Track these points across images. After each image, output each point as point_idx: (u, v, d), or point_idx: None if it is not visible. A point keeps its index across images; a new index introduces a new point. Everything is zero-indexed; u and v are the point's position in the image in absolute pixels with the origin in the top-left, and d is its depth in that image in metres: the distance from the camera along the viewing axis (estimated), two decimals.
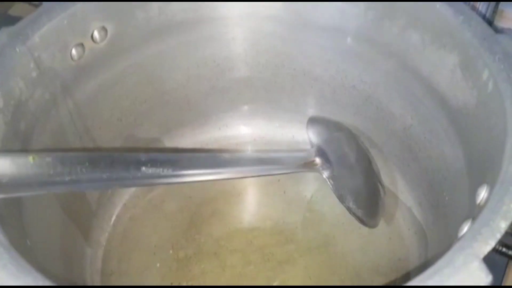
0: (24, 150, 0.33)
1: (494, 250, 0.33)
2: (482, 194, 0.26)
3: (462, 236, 0.22)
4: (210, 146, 0.52)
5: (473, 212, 0.26)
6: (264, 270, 0.44)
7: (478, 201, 0.27)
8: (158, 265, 0.44)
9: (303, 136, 0.52)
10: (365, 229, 0.45)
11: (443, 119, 0.37)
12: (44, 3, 0.35)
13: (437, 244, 0.39)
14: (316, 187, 0.49)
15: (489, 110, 0.30)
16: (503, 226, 0.22)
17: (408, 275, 0.42)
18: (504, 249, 0.33)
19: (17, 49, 0.32)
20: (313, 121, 0.48)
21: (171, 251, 0.45)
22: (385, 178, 0.47)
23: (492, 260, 0.21)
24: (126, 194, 0.48)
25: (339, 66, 0.45)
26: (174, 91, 0.47)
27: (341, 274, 0.43)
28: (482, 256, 0.21)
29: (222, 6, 0.43)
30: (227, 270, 0.44)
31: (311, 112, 0.50)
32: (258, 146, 0.52)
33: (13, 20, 0.33)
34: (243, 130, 0.53)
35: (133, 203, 0.48)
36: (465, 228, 0.26)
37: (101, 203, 0.45)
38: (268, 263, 0.44)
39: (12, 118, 0.32)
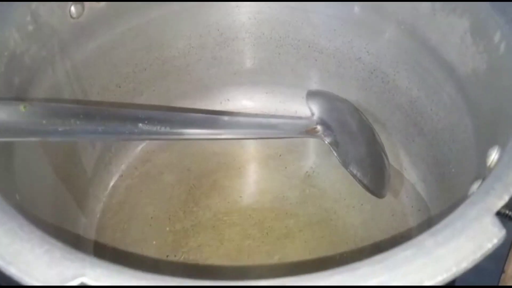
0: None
1: (503, 215, 0.32)
2: (493, 155, 0.25)
3: (473, 192, 0.21)
4: None
5: (484, 173, 0.25)
6: (262, 244, 0.43)
7: (488, 163, 0.25)
8: (154, 236, 0.43)
9: (306, 112, 0.50)
10: (367, 205, 0.44)
11: (451, 89, 0.36)
12: None
13: (440, 218, 0.38)
14: (317, 162, 0.48)
15: (500, 72, 0.29)
16: None
17: None
18: None
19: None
20: (313, 93, 0.47)
21: (167, 223, 0.44)
22: (389, 155, 0.46)
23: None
24: (124, 164, 0.47)
25: (345, 36, 0.44)
26: (175, 59, 0.46)
27: (342, 250, 0.42)
28: (495, 210, 0.20)
29: None
30: (225, 243, 0.43)
31: (315, 87, 0.49)
32: None
33: None
34: (245, 105, 0.52)
35: (130, 173, 0.47)
36: (475, 187, 0.25)
37: (97, 170, 0.44)
38: (267, 237, 0.43)
39: (5, 70, 0.30)
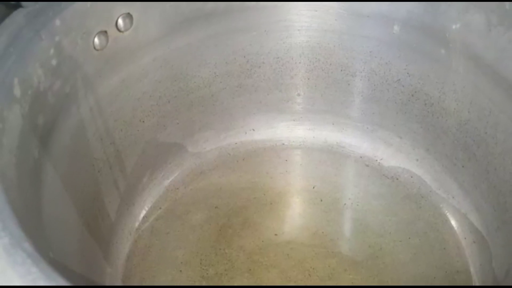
0: (41, 147, 0.28)
1: None
2: None
3: None
4: (236, 151, 0.48)
5: None
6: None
7: None
8: (185, 283, 0.39)
9: (336, 139, 0.48)
10: (415, 239, 0.41)
11: (510, 110, 0.33)
12: None
13: (502, 252, 0.35)
14: (355, 193, 0.45)
15: None
16: None
17: None
18: None
19: (37, 32, 0.28)
20: None
21: (199, 268, 0.40)
22: (432, 183, 0.43)
23: None
24: (147, 204, 0.44)
25: (382, 58, 0.41)
26: (199, 89, 0.43)
27: None
28: None
29: None
30: None
31: (347, 112, 0.46)
32: (288, 151, 0.48)
33: None
34: (272, 134, 0.49)
35: (155, 214, 0.44)
36: None
37: (120, 213, 0.41)
38: (310, 279, 0.39)
39: (29, 110, 0.27)
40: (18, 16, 0.28)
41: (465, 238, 0.40)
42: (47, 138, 0.29)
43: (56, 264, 0.25)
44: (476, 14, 0.33)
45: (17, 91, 0.26)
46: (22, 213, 0.21)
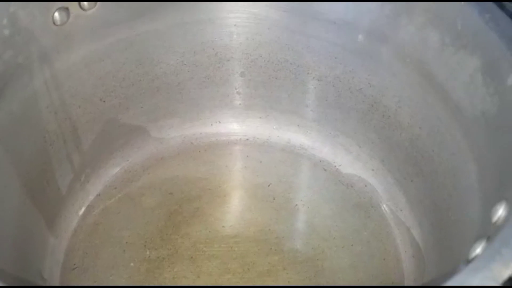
0: None
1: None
2: (500, 211, 0.23)
3: (477, 256, 0.18)
4: (199, 142, 0.48)
5: (488, 230, 0.23)
6: (242, 281, 0.40)
7: (494, 219, 0.23)
8: (126, 263, 0.40)
9: (299, 141, 0.48)
10: (357, 247, 0.41)
11: (456, 131, 0.34)
12: None
13: (435, 269, 0.35)
14: (309, 195, 0.45)
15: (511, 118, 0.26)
16: None
17: None
18: None
19: None
20: None
21: (142, 250, 0.41)
22: (384, 194, 0.44)
23: None
24: (102, 183, 0.44)
25: (346, 66, 0.41)
26: (166, 76, 0.44)
27: None
28: (501, 281, 0.17)
29: None
30: (202, 276, 0.40)
31: (311, 115, 0.47)
32: (251, 148, 0.48)
33: None
34: (236, 129, 0.49)
35: (108, 194, 0.44)
36: (478, 248, 0.22)
37: (72, 188, 0.41)
38: (248, 273, 0.40)
39: None
40: None
41: (405, 252, 0.40)
42: None
43: None
44: (431, 32, 0.33)
45: None
46: None
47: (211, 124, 0.49)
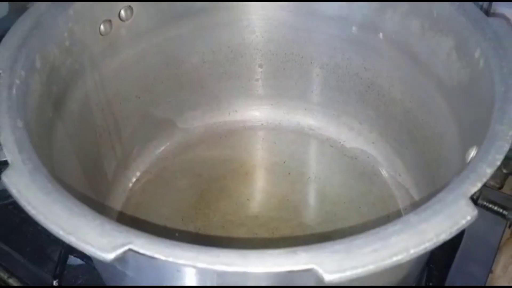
0: (54, 110, 0.36)
1: (483, 206, 0.36)
2: (472, 153, 0.29)
3: (452, 181, 0.25)
4: (220, 129, 0.55)
5: (463, 168, 0.29)
6: (268, 242, 0.46)
7: (467, 160, 0.30)
8: (167, 236, 0.47)
9: (307, 122, 0.55)
10: (364, 208, 0.48)
11: (439, 100, 0.40)
12: None
13: None
14: (319, 169, 0.52)
15: (480, 84, 0.33)
16: (488, 171, 0.25)
17: None
18: (490, 205, 0.36)
19: (54, 18, 0.35)
20: None
21: (180, 223, 0.48)
22: (384, 162, 0.50)
23: None
24: (139, 169, 0.51)
25: (344, 54, 0.48)
26: (189, 74, 0.51)
27: None
28: (469, 195, 0.24)
29: None
30: (233, 242, 0.46)
31: (316, 99, 0.54)
32: (265, 131, 0.55)
33: None
34: (252, 116, 0.56)
35: (146, 178, 0.51)
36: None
37: (116, 174, 0.48)
38: (273, 236, 0.47)
39: (47, 80, 0.35)
40: (41, 5, 0.36)
41: (405, 210, 0.47)
42: (59, 103, 0.37)
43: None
44: (413, 19, 0.40)
45: (38, 64, 0.34)
46: (40, 152, 0.28)
47: (229, 113, 0.56)
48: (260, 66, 0.52)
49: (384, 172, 0.50)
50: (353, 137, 0.53)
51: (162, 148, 0.53)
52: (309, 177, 0.51)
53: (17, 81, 0.31)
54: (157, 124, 0.52)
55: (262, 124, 0.56)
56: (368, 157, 0.52)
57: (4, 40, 0.33)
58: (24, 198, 0.24)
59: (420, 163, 0.45)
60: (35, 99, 0.32)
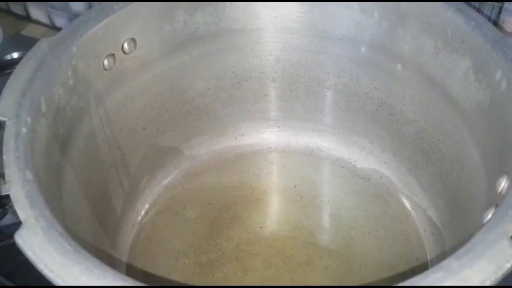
0: (61, 152, 0.35)
1: None
2: (503, 183, 0.28)
3: (490, 219, 0.24)
4: (227, 155, 0.54)
5: (495, 200, 0.28)
6: (285, 272, 0.45)
7: (499, 190, 0.28)
8: (182, 269, 0.45)
9: (316, 144, 0.54)
10: (381, 231, 0.47)
11: (456, 121, 0.39)
12: (82, 15, 0.37)
13: (454, 242, 0.41)
14: (331, 191, 0.51)
15: (503, 107, 0.32)
16: None
17: None
18: None
19: (58, 58, 0.34)
20: None
21: (194, 256, 0.46)
22: (398, 182, 0.49)
23: None
24: (148, 201, 0.50)
25: (352, 74, 0.47)
26: (194, 100, 0.49)
27: (361, 275, 0.44)
28: (510, 234, 0.23)
29: (241, 20, 0.45)
30: (249, 273, 0.45)
31: (325, 120, 0.52)
32: (273, 154, 0.54)
33: (25, 40, 0.35)
34: (259, 139, 0.55)
35: (155, 211, 0.50)
36: (489, 214, 0.27)
37: (125, 209, 0.47)
38: (289, 265, 0.45)
39: (53, 122, 0.33)
40: (43, 44, 0.35)
41: (424, 231, 0.46)
42: (66, 144, 0.35)
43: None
44: (426, 39, 0.39)
45: (43, 107, 0.32)
46: (51, 204, 0.27)
47: (236, 138, 0.54)
48: (266, 89, 0.51)
49: (399, 193, 0.49)
50: (365, 157, 0.52)
51: (170, 177, 0.52)
52: (322, 200, 0.50)
53: (24, 129, 0.29)
54: (164, 154, 0.51)
55: (270, 147, 0.55)
56: (381, 177, 0.51)
57: (8, 84, 0.32)
58: (40, 261, 0.23)
59: (437, 184, 0.44)
60: (42, 145, 0.31)
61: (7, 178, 0.26)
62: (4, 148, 0.28)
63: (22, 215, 0.25)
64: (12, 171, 0.27)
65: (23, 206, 0.25)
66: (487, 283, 0.21)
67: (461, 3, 0.36)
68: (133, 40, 0.41)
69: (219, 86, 0.50)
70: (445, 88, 0.39)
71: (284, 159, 0.54)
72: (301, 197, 0.50)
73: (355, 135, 0.52)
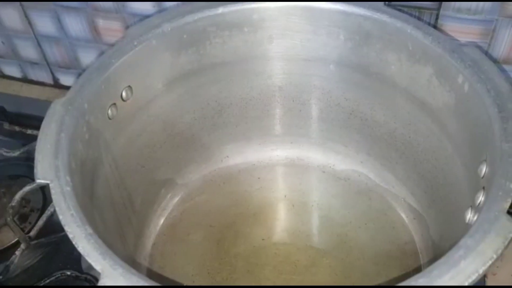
0: (90, 203, 0.37)
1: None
2: (484, 169, 0.34)
3: (486, 201, 0.30)
4: (216, 177, 0.57)
5: (481, 183, 0.34)
6: (295, 275, 0.49)
7: (482, 175, 0.35)
8: None
9: (296, 155, 0.59)
10: (370, 224, 0.52)
11: (424, 119, 0.45)
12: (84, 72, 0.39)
13: (437, 223, 0.47)
14: (318, 195, 0.56)
15: (469, 105, 0.38)
16: None
17: (417, 254, 0.49)
18: None
19: (75, 117, 0.37)
20: None
21: (208, 277, 0.50)
22: (375, 178, 0.55)
23: None
24: (153, 233, 0.52)
25: (324, 89, 0.52)
26: (182, 133, 0.53)
27: (361, 265, 0.49)
28: (505, 211, 0.29)
29: (220, 55, 0.49)
30: (263, 283, 0.49)
31: (301, 132, 0.57)
32: (258, 170, 0.58)
33: None
34: (243, 158, 0.59)
35: (162, 241, 0.52)
36: (480, 196, 0.33)
37: (136, 245, 0.49)
38: (297, 269, 0.50)
39: (81, 177, 0.36)
40: (56, 106, 0.37)
41: (407, 217, 0.52)
42: (92, 195, 0.38)
43: None
44: (389, 53, 0.45)
45: (73, 165, 0.35)
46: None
47: (222, 160, 0.58)
48: (246, 112, 0.55)
49: (378, 187, 0.55)
50: (341, 159, 0.57)
51: (169, 207, 0.55)
52: (312, 205, 0.55)
53: (68, 188, 0.32)
54: (161, 186, 0.53)
55: (254, 165, 0.59)
56: (359, 175, 0.56)
57: (38, 149, 0.34)
58: None
59: (413, 175, 0.50)
60: (80, 199, 0.34)
61: (70, 235, 0.29)
62: (57, 209, 0.30)
63: (97, 266, 0.27)
64: (73, 229, 0.29)
65: (97, 258, 0.28)
66: (499, 251, 0.27)
67: (418, 21, 0.42)
68: (129, 88, 0.44)
69: (204, 115, 0.53)
70: (411, 93, 0.46)
71: (269, 173, 0.58)
72: (293, 205, 0.55)
73: (330, 141, 0.57)
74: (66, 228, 0.29)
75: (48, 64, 0.69)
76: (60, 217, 0.30)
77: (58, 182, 0.32)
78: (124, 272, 0.27)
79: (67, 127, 0.36)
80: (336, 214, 0.54)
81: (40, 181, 0.32)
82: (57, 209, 0.30)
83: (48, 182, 0.32)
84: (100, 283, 0.26)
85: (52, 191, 0.31)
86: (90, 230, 0.29)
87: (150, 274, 0.49)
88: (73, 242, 0.28)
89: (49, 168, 0.33)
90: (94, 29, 0.62)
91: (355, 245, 0.51)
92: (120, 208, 0.46)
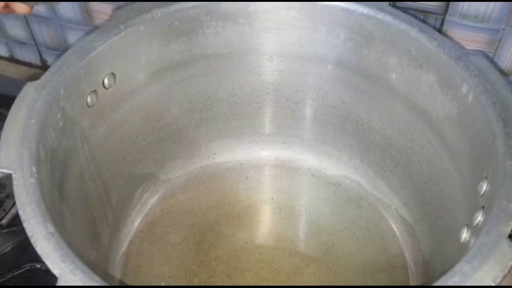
0: (59, 196, 0.34)
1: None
2: (484, 187, 0.32)
3: (485, 223, 0.28)
4: (202, 175, 0.55)
5: (480, 202, 0.32)
6: (276, 284, 0.47)
7: (481, 193, 0.32)
8: None
9: (286, 156, 0.56)
10: (359, 233, 0.50)
11: (423, 128, 0.43)
12: (63, 56, 0.37)
13: (429, 237, 0.45)
14: (307, 200, 0.53)
15: (472, 117, 0.36)
16: None
17: (406, 268, 0.47)
18: None
19: (48, 102, 0.34)
20: None
21: (185, 279, 0.47)
22: (367, 185, 0.53)
23: None
24: (131, 230, 0.50)
25: (320, 89, 0.50)
26: (168, 126, 0.50)
27: (347, 277, 0.47)
28: (507, 235, 0.26)
29: (213, 46, 0.46)
30: None
31: (293, 132, 0.55)
32: (246, 170, 0.56)
33: None
34: (231, 157, 0.56)
35: (139, 239, 0.50)
36: (479, 216, 0.31)
37: (110, 242, 0.47)
38: (279, 276, 0.47)
39: (50, 168, 0.33)
40: (29, 89, 0.34)
41: (398, 228, 0.50)
42: (61, 188, 0.35)
43: None
44: (390, 56, 0.43)
45: (42, 154, 0.32)
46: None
47: (208, 157, 0.56)
48: (237, 108, 0.53)
49: (369, 195, 0.52)
50: (333, 164, 0.55)
51: (149, 203, 0.52)
52: (300, 210, 0.53)
53: (32, 180, 0.29)
54: (141, 181, 0.51)
55: (242, 164, 0.56)
56: (351, 182, 0.54)
57: (3, 135, 0.31)
58: None
59: (407, 185, 0.48)
60: (47, 193, 0.31)
61: (29, 233, 0.26)
62: (18, 203, 0.28)
63: (55, 270, 0.25)
64: (32, 226, 0.27)
65: (55, 261, 0.25)
66: (497, 280, 0.25)
67: (424, 24, 0.40)
68: (112, 75, 0.41)
69: (192, 109, 0.51)
70: (411, 100, 0.43)
71: (257, 173, 0.56)
72: (280, 209, 0.53)
73: (323, 144, 0.54)
74: (25, 224, 0.26)
75: (36, 44, 0.66)
76: (20, 211, 0.27)
77: (21, 173, 0.29)
78: (85, 278, 0.25)
79: (38, 113, 0.33)
80: (324, 221, 0.51)
81: (2, 170, 0.29)
82: (17, 202, 0.28)
83: (10, 172, 0.29)
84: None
85: (14, 183, 0.29)
86: (51, 229, 0.27)
87: (124, 273, 0.47)
88: (31, 241, 0.26)
89: (14, 156, 0.30)
90: (85, 11, 0.58)
91: (342, 255, 0.49)
92: (95, 203, 0.43)
